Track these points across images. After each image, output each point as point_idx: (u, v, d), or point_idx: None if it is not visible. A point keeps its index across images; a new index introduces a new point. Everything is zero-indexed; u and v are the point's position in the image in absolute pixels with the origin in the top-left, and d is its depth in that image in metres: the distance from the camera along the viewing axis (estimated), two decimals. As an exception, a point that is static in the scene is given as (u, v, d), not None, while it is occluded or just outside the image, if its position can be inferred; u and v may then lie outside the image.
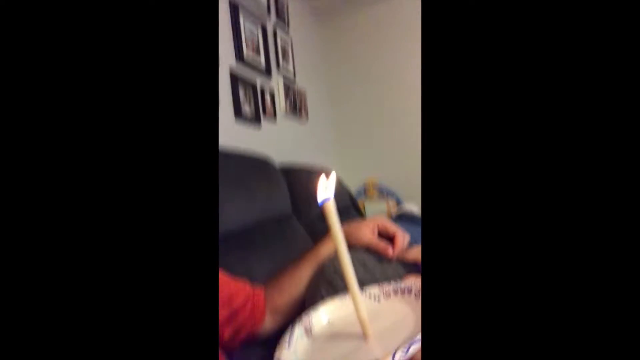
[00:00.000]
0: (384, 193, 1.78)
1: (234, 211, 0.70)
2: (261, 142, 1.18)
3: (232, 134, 1.04)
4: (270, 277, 0.54)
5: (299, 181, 1.07)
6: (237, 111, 1.05)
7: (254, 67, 1.16)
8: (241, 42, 1.09)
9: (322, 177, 0.27)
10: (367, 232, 0.47)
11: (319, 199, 0.27)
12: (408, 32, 1.69)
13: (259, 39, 1.20)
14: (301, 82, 1.53)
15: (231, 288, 0.45)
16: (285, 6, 1.44)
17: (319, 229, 1.00)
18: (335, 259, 0.47)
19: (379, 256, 0.46)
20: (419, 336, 0.21)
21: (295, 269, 0.49)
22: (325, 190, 0.27)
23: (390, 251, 0.45)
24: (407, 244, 0.48)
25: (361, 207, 1.60)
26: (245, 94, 1.10)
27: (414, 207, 1.51)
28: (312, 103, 1.63)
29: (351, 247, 0.28)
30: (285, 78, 1.37)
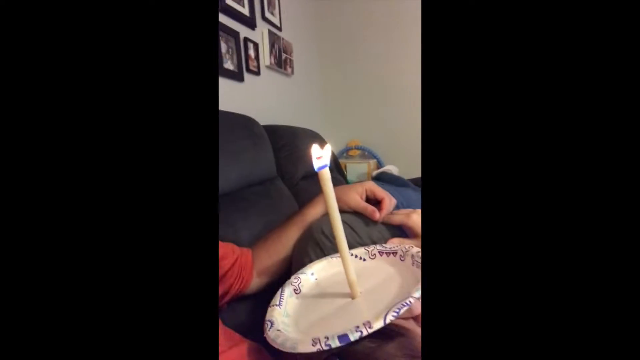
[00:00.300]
0: (365, 154, 1.79)
1: (219, 173, 0.69)
2: (244, 96, 1.12)
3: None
4: (257, 238, 0.55)
5: (285, 142, 1.05)
6: (219, 65, 0.98)
7: (237, 17, 1.07)
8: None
9: (315, 146, 0.27)
10: (355, 196, 0.48)
11: (316, 166, 0.26)
12: None
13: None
14: (288, 35, 1.43)
15: (220, 251, 0.45)
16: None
17: (303, 189, 1.01)
18: (323, 221, 0.48)
19: (366, 219, 0.47)
20: (409, 299, 0.23)
21: (283, 231, 0.50)
22: (321, 157, 0.26)
23: (376, 214, 0.46)
24: (392, 208, 0.49)
25: (343, 167, 1.61)
26: (228, 47, 1.02)
27: (394, 168, 1.54)
28: (298, 57, 1.54)
29: (340, 210, 0.28)
30: (270, 29, 1.28)
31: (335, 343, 0.21)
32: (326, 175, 0.27)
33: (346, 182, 1.44)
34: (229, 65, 1.03)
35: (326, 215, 0.49)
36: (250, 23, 1.14)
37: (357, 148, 1.80)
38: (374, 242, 0.44)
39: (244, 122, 0.88)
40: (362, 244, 0.43)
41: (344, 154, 1.82)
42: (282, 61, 1.37)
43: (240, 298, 0.50)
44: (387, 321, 0.22)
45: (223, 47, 1.00)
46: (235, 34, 1.05)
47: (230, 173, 0.73)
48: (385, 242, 0.41)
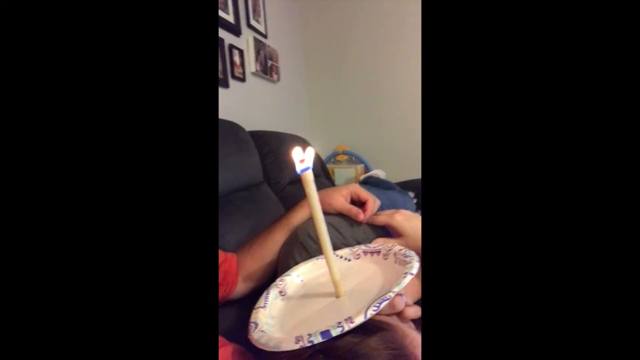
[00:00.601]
0: (353, 159, 1.81)
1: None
2: (229, 102, 1.12)
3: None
4: (243, 243, 0.55)
5: (270, 147, 1.05)
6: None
7: (222, 24, 1.07)
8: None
9: (296, 149, 0.28)
10: (340, 198, 0.48)
11: (298, 169, 0.27)
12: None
13: (226, -10, 1.09)
14: (273, 42, 1.44)
15: None
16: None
17: (290, 194, 1.01)
18: (308, 224, 0.48)
19: (351, 220, 0.48)
20: (389, 294, 0.23)
21: (268, 235, 0.50)
22: (303, 160, 0.27)
23: (361, 216, 0.47)
24: (377, 209, 0.50)
25: (330, 172, 1.62)
26: (212, 52, 1.02)
27: (381, 173, 1.56)
28: (284, 63, 1.56)
29: (325, 212, 0.29)
30: (255, 36, 1.29)
31: (318, 339, 0.22)
32: (309, 178, 0.27)
33: (334, 186, 1.44)
34: (214, 71, 1.03)
35: (312, 218, 0.49)
36: (235, 30, 1.15)
37: (345, 153, 1.81)
38: (359, 243, 0.44)
39: (229, 128, 0.87)
40: (347, 244, 0.44)
41: (332, 159, 1.84)
42: (267, 68, 1.38)
43: (226, 303, 0.50)
44: (368, 316, 0.22)
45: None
46: (220, 41, 1.05)
47: (215, 179, 0.73)
48: (370, 243, 0.42)
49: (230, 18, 1.11)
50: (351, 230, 0.47)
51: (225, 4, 1.09)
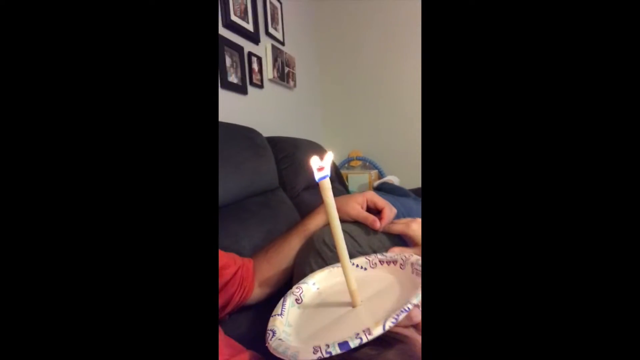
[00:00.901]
0: (367, 165, 1.80)
1: (221, 184, 0.70)
2: (247, 109, 1.14)
3: (219, 101, 1.01)
4: (258, 248, 0.56)
5: (286, 153, 1.06)
6: (223, 78, 1.01)
7: (241, 32, 1.10)
8: (228, 6, 1.02)
9: (315, 157, 0.28)
10: (356, 206, 0.48)
11: (317, 177, 0.27)
12: (403, 3, 1.63)
13: (247, 3, 1.12)
14: (290, 49, 1.47)
15: (221, 260, 0.45)
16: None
17: (305, 200, 1.01)
18: (324, 231, 0.48)
19: (367, 228, 0.48)
20: (408, 305, 0.23)
21: (285, 241, 0.51)
22: (321, 168, 0.27)
23: (377, 224, 0.46)
24: (393, 217, 0.50)
25: (344, 177, 1.62)
26: (232, 61, 1.05)
27: (395, 178, 1.54)
28: (300, 70, 1.58)
29: (341, 220, 0.29)
30: (273, 44, 1.31)
31: (336, 350, 0.22)
32: (327, 186, 0.28)
33: (348, 192, 1.44)
34: (232, 78, 1.05)
35: (327, 226, 0.49)
36: (254, 38, 1.17)
37: (359, 159, 1.81)
38: (375, 251, 0.44)
39: (246, 134, 0.89)
40: (363, 253, 0.44)
41: (346, 165, 1.83)
42: (284, 74, 1.40)
43: (242, 309, 0.50)
44: (387, 328, 0.22)
45: (227, 61, 1.03)
46: (239, 49, 1.08)
47: (231, 183, 0.74)
48: (385, 251, 0.41)
49: (249, 27, 1.14)
50: (367, 238, 0.47)
51: (245, 13, 1.11)
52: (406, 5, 1.62)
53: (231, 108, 1.06)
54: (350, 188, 1.67)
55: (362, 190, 1.65)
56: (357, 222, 0.48)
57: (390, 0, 1.66)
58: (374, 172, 1.73)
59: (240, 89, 1.09)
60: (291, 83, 1.47)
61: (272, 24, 1.31)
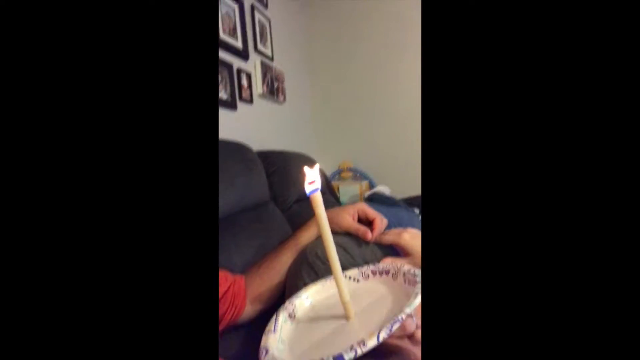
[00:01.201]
0: (357, 176, 1.82)
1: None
2: (237, 124, 1.15)
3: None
4: (250, 264, 0.55)
5: (277, 166, 1.06)
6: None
7: (230, 49, 1.12)
8: (217, 24, 1.04)
9: (306, 169, 0.28)
10: (347, 218, 0.49)
11: (307, 191, 0.27)
12: (390, 15, 1.68)
13: (235, 20, 1.14)
14: (279, 64, 1.49)
15: None
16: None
17: (296, 213, 1.01)
18: (316, 244, 0.48)
19: (359, 240, 0.48)
20: (401, 315, 0.23)
21: (277, 256, 0.50)
22: (312, 182, 0.27)
23: (369, 235, 0.47)
24: (384, 228, 0.50)
25: (335, 189, 1.63)
26: (221, 77, 1.06)
27: (385, 189, 1.56)
28: (290, 84, 1.60)
29: (333, 232, 0.29)
30: (262, 60, 1.33)
31: None
32: (318, 199, 0.28)
33: (339, 203, 1.44)
34: (222, 94, 1.06)
35: (319, 239, 0.49)
36: (243, 55, 1.19)
37: (349, 170, 1.82)
38: (367, 263, 0.44)
39: (237, 149, 0.89)
40: (356, 265, 0.44)
41: (337, 176, 1.84)
42: (274, 89, 1.42)
43: (233, 328, 0.49)
44: (381, 339, 0.22)
45: (222, 81, 1.04)
46: (228, 66, 1.09)
47: (222, 198, 0.73)
48: (378, 262, 0.41)
49: (238, 44, 1.15)
50: (359, 250, 0.47)
51: (234, 30, 1.13)
52: (394, 19, 1.68)
53: (221, 124, 1.06)
54: (342, 199, 1.67)
55: (353, 201, 1.66)
56: (348, 234, 0.49)
57: (383, 10, 1.71)
58: (364, 183, 1.74)
59: (230, 105, 1.10)
60: (281, 97, 1.49)
61: (261, 41, 1.33)
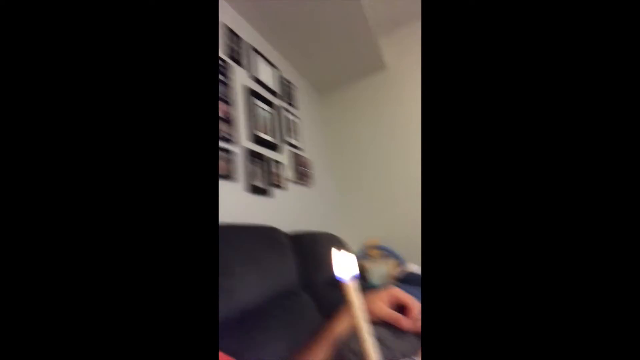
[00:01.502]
0: (385, 254, 1.76)
1: (243, 283, 0.71)
2: (272, 208, 1.24)
3: (246, 204, 1.11)
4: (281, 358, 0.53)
5: (307, 248, 1.08)
6: (251, 184, 1.13)
7: (265, 144, 1.28)
8: (255, 125, 1.23)
9: (334, 251, 0.28)
10: (381, 304, 0.47)
11: (341, 277, 0.27)
12: (404, 97, 1.85)
13: (271, 121, 1.34)
14: (307, 153, 1.65)
15: None
16: (292, 88, 1.64)
17: (327, 297, 0.98)
18: (350, 338, 0.47)
19: (396, 330, 0.46)
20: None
21: (309, 355, 0.48)
22: (346, 268, 0.27)
23: (404, 322, 0.45)
24: (419, 314, 0.48)
25: (364, 269, 1.57)
26: (258, 169, 1.19)
27: (417, 267, 1.48)
28: (316, 170, 1.73)
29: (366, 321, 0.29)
30: (292, 151, 1.49)
31: None
32: (352, 288, 0.28)
33: (369, 285, 1.38)
34: (258, 184, 1.18)
35: (353, 330, 0.48)
36: (275, 147, 1.35)
37: (377, 248, 1.78)
38: (405, 356, 0.42)
39: (268, 233, 0.93)
40: (396, 358, 0.41)
41: (364, 255, 1.80)
42: (302, 175, 1.54)
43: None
44: None
45: (254, 169, 1.17)
46: (262, 157, 1.24)
47: (254, 283, 0.74)
48: (415, 355, 0.40)
49: (272, 139, 1.33)
50: (397, 342, 0.45)
51: (268, 128, 1.32)
52: (412, 98, 1.83)
53: (258, 209, 1.14)
54: (372, 280, 1.60)
55: (383, 282, 1.58)
56: (383, 323, 0.47)
57: (396, 92, 1.88)
58: (392, 261, 1.68)
59: (266, 192, 1.21)
60: (308, 181, 1.60)
61: (290, 134, 1.51)
